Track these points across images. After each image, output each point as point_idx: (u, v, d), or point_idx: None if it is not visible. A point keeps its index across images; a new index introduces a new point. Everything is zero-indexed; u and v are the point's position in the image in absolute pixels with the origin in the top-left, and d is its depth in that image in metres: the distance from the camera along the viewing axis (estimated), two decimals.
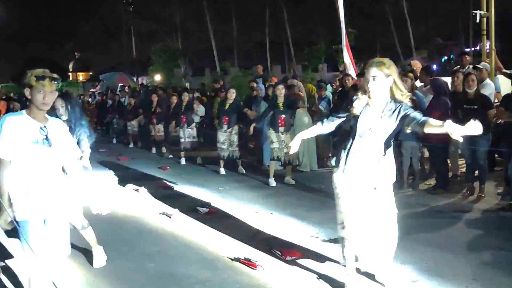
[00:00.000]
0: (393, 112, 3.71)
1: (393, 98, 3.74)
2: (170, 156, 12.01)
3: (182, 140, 10.93)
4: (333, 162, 4.02)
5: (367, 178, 3.80)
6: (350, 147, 3.84)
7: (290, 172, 8.53)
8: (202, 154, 11.28)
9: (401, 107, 3.69)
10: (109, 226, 6.08)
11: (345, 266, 4.10)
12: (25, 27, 38.69)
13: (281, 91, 8.40)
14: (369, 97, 3.78)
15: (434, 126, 3.41)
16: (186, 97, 11.27)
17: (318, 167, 9.53)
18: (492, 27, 9.38)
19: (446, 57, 25.73)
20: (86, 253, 4.95)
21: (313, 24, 31.71)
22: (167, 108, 12.34)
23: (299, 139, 4.21)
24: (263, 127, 9.46)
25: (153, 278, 4.51)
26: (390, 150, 3.87)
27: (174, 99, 11.90)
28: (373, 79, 3.67)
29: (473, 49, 20.75)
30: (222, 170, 9.52)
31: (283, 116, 8.31)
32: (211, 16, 31.62)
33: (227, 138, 9.43)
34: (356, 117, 3.82)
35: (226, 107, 9.48)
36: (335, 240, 5.18)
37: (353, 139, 3.83)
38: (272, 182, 8.31)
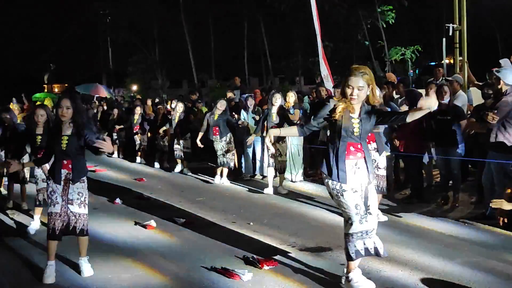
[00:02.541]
0: (369, 114, 4.03)
1: (367, 102, 4.04)
2: (158, 166, 11.92)
3: (177, 150, 10.91)
4: (324, 169, 4.11)
5: (357, 177, 4.03)
6: (337, 151, 4.00)
7: (282, 181, 8.53)
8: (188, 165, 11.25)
9: (374, 109, 4.06)
10: None
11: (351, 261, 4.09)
12: None
13: (277, 99, 8.42)
14: (351, 103, 3.96)
15: (414, 113, 3.94)
16: (181, 108, 11.24)
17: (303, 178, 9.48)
18: (465, 40, 9.60)
19: (411, 71, 26.18)
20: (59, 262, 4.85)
21: (290, 37, 31.97)
22: (154, 119, 12.39)
23: (271, 135, 4.35)
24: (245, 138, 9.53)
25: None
26: (368, 148, 4.26)
27: (160, 111, 12.03)
28: (359, 89, 3.91)
29: (436, 63, 21.08)
30: (218, 178, 9.46)
31: (275, 124, 8.33)
32: (189, 28, 31.65)
33: (223, 147, 9.41)
34: (337, 123, 3.99)
35: (215, 118, 9.49)
36: (311, 249, 5.23)
37: (338, 143, 4.00)
38: (270, 190, 8.31)
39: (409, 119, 3.93)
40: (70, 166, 4.66)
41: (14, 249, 5.67)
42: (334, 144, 4.02)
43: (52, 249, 4.67)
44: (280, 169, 8.44)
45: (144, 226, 6.45)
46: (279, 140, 8.28)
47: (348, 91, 3.92)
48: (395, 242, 5.44)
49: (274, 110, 8.38)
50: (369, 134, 6.07)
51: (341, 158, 3.98)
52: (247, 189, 8.85)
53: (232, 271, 4.59)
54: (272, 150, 7.96)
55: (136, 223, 6.62)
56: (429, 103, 3.77)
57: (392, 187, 7.80)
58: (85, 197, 4.74)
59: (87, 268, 4.77)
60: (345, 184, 3.96)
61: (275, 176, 8.48)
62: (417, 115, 3.93)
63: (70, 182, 4.65)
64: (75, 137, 4.64)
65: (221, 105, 9.61)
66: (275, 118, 8.34)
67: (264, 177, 9.50)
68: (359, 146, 4.04)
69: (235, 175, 9.90)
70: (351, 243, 4.02)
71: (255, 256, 4.99)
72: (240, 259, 5.01)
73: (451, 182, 7.30)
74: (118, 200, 8.08)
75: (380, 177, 6.16)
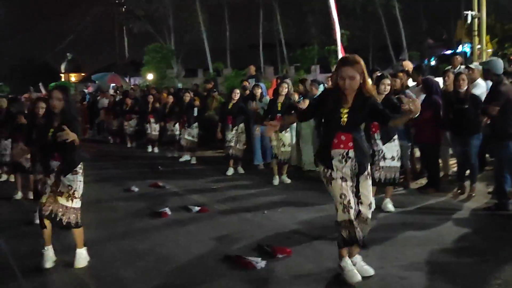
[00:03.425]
0: (362, 105, 3.99)
1: (361, 91, 4.00)
2: (170, 155, 11.98)
3: (182, 140, 10.91)
4: (317, 156, 4.22)
5: (348, 166, 4.01)
6: (327, 140, 4.06)
7: (285, 171, 8.50)
8: (196, 154, 11.28)
9: (369, 100, 4.00)
10: (99, 225, 6.07)
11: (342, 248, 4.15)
12: (16, 27, 38.49)
13: (283, 89, 8.36)
14: (344, 93, 3.96)
15: (397, 120, 4.05)
16: (187, 97, 11.24)
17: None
18: (484, 27, 9.43)
19: (426, 60, 25.81)
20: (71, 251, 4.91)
21: (306, 26, 31.76)
22: (163, 108, 12.40)
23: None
24: (254, 127, 9.50)
25: (142, 275, 4.48)
26: (363, 138, 4.17)
27: (170, 99, 12.02)
28: (351, 79, 3.90)
29: (451, 51, 20.78)
30: (231, 170, 9.43)
31: (279, 115, 8.28)
32: (204, 17, 31.60)
33: (235, 136, 9.39)
34: (327, 112, 4.02)
35: (230, 107, 9.47)
36: (325, 238, 5.20)
37: (328, 132, 4.06)
38: (276, 180, 8.31)
39: (391, 123, 4.06)
40: (60, 158, 4.62)
41: (23, 235, 5.76)
42: (325, 132, 4.08)
43: (45, 236, 4.68)
44: (284, 160, 8.38)
45: (159, 214, 6.49)
46: (282, 130, 8.25)
47: (341, 81, 3.92)
48: (409, 232, 5.40)
49: (280, 99, 8.33)
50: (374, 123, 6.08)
51: (329, 147, 4.00)
52: (261, 178, 8.84)
53: (246, 259, 4.60)
54: (274, 142, 8.16)
55: (151, 211, 6.67)
56: (415, 107, 3.76)
57: (409, 177, 7.73)
58: (74, 190, 4.62)
59: (79, 260, 4.71)
60: (334, 171, 3.99)
61: (280, 166, 8.48)
62: (399, 122, 4.19)
63: (62, 174, 4.60)
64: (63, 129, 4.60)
65: (235, 95, 9.59)
66: (280, 107, 8.29)
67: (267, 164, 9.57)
68: (348, 136, 3.99)
69: (248, 164, 9.89)
70: (339, 231, 4.06)
71: (269, 244, 4.99)
72: (254, 247, 5.02)
73: (468, 171, 7.20)
74: (133, 188, 8.15)
75: (387, 169, 6.14)
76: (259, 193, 7.74)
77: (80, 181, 4.70)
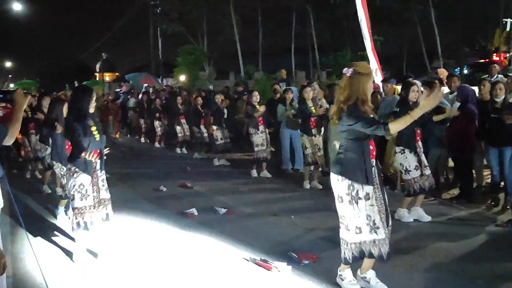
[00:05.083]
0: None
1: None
2: (200, 157, 12.00)
3: (221, 141, 10.86)
4: (345, 170, 3.91)
5: (375, 177, 3.90)
6: (364, 150, 3.85)
7: (317, 176, 8.42)
8: (225, 156, 11.28)
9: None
10: (127, 224, 6.12)
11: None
12: (54, 26, 39.51)
13: (309, 94, 8.29)
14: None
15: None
16: (219, 99, 11.24)
17: None
18: None
19: (458, 68, 25.13)
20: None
21: (339, 30, 31.52)
22: (193, 109, 12.45)
23: None
24: (284, 131, 9.44)
25: (167, 276, 4.50)
26: None
27: (199, 101, 12.07)
28: None
29: (487, 60, 20.22)
30: (254, 173, 9.41)
31: (314, 118, 8.21)
32: (237, 20, 31.70)
33: (264, 139, 9.37)
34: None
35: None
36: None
37: (365, 142, 3.87)
38: (307, 184, 8.25)
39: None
40: (96, 155, 4.74)
41: (48, 228, 5.84)
42: (361, 143, 3.84)
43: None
44: (322, 164, 8.29)
45: (186, 215, 6.51)
46: (317, 133, 8.19)
47: (371, 88, 3.90)
48: (440, 243, 5.27)
49: (310, 103, 8.23)
50: (418, 131, 5.99)
51: (368, 157, 3.84)
52: (288, 182, 8.77)
53: (271, 264, 4.56)
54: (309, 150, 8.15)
55: (178, 211, 6.69)
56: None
57: (441, 186, 7.55)
58: (106, 182, 4.86)
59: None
60: (361, 189, 3.79)
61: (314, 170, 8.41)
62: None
63: (98, 171, 4.76)
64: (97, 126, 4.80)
65: (257, 97, 9.61)
66: (315, 111, 8.22)
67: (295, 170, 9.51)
68: (374, 145, 3.93)
69: (276, 168, 9.83)
70: (354, 250, 3.93)
71: (295, 249, 4.94)
72: (280, 252, 4.97)
73: (502, 183, 6.99)
74: (162, 188, 8.22)
75: (430, 177, 6.08)
76: (287, 197, 7.68)
77: None
